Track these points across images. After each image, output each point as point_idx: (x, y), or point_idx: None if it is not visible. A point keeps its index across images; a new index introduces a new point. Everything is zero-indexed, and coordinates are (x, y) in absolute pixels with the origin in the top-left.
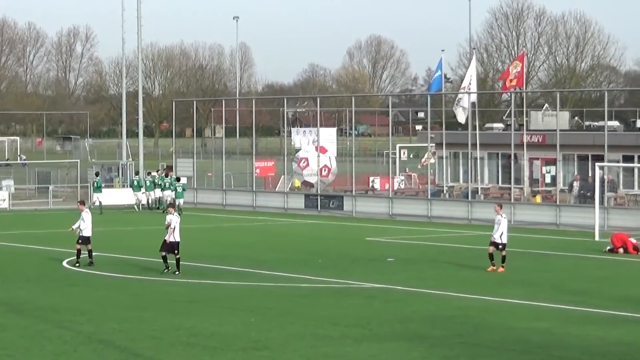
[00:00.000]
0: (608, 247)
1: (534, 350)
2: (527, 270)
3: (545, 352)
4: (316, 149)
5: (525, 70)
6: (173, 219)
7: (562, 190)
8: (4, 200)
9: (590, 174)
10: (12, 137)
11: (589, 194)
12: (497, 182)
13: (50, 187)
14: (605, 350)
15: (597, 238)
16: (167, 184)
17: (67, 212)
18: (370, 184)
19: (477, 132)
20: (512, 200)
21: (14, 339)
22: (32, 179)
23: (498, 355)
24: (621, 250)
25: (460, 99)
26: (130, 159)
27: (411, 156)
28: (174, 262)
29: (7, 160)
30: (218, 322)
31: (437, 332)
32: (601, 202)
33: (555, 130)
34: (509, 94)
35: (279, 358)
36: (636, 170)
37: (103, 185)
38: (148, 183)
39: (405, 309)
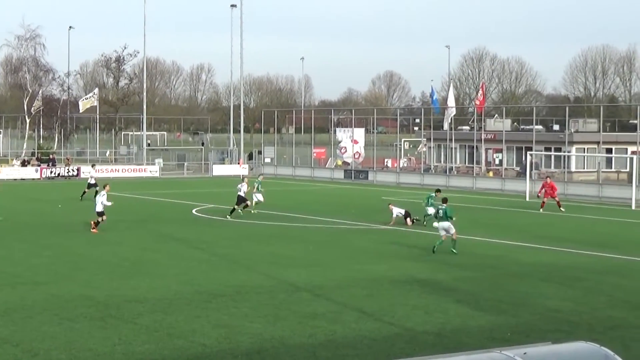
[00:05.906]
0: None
1: (489, 268)
2: (478, 217)
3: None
4: (351, 141)
5: (483, 93)
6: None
7: (505, 169)
8: (157, 171)
9: (523, 159)
10: (162, 132)
11: (522, 171)
12: (465, 163)
13: (185, 164)
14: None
15: (527, 199)
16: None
17: (195, 179)
18: (385, 163)
19: (453, 131)
20: (474, 175)
21: (164, 259)
22: (173, 158)
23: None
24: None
25: (449, 113)
26: (235, 146)
27: (411, 146)
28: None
29: (163, 147)
30: (290, 249)
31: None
32: (530, 176)
33: (502, 131)
34: (473, 107)
35: (328, 272)
36: (552, 157)
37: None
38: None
39: (385, 239)
